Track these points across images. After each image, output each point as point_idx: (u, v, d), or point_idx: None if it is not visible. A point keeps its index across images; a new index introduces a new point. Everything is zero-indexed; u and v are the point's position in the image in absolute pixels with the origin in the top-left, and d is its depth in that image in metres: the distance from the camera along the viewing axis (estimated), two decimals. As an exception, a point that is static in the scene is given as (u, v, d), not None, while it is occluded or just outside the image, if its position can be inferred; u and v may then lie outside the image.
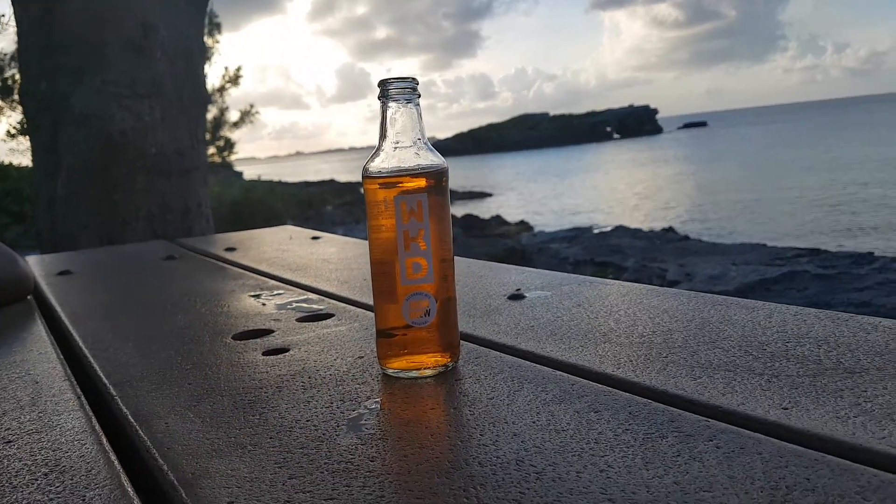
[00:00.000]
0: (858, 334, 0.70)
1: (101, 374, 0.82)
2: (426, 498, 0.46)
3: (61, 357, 0.93)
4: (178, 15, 2.98)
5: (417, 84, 0.71)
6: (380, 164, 0.71)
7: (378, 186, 0.70)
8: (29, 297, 1.38)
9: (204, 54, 3.13)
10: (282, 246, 1.87)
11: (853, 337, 0.70)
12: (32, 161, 3.14)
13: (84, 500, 0.50)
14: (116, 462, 0.57)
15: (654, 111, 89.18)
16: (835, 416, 0.52)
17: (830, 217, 11.62)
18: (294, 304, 1.12)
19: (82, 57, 2.79)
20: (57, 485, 0.53)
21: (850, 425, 0.50)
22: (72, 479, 0.54)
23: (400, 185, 0.70)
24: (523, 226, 12.81)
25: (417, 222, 0.69)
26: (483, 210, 15.56)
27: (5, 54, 8.07)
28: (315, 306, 1.09)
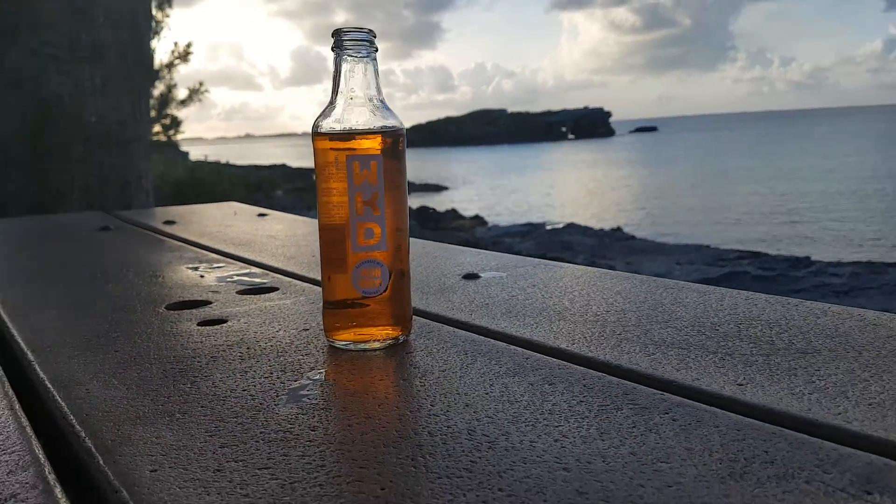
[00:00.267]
0: (809, 318, 0.70)
1: (19, 339, 0.76)
2: (370, 467, 0.43)
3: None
4: (124, -21, 2.85)
5: (375, 37, 0.67)
6: (332, 121, 0.67)
7: (329, 145, 0.66)
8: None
9: (150, 22, 3.00)
10: (225, 221, 1.80)
11: (804, 321, 0.69)
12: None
13: (-13, 467, 0.46)
14: (28, 428, 0.52)
15: (608, 114, 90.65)
16: (790, 392, 0.51)
17: (771, 224, 12.02)
18: (235, 278, 1.07)
19: (17, 16, 2.64)
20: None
21: (805, 402, 0.49)
22: (-25, 445, 0.49)
23: (353, 144, 0.66)
24: (478, 220, 12.83)
25: (371, 185, 0.66)
26: (438, 203, 15.53)
27: None
28: (258, 280, 1.04)
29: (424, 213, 12.50)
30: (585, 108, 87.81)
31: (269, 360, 0.66)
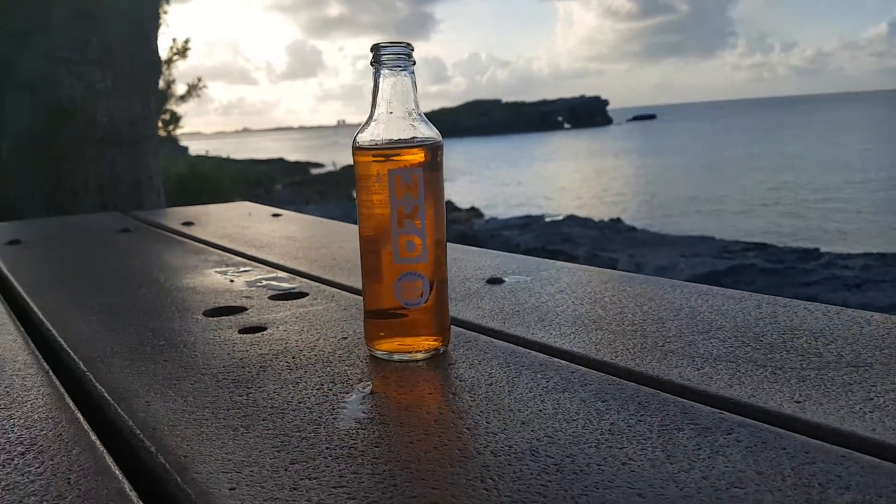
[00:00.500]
0: (853, 328, 0.71)
1: (68, 349, 0.77)
2: (442, 488, 0.43)
3: (21, 329, 0.87)
4: (131, -22, 2.84)
5: (413, 50, 0.68)
6: (372, 135, 0.67)
7: (371, 159, 0.67)
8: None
9: (157, 22, 2.99)
10: (241, 222, 1.80)
11: (848, 330, 0.70)
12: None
13: (69, 482, 0.46)
14: (98, 442, 0.52)
15: (605, 102, 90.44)
16: (850, 411, 0.51)
17: (775, 214, 12.01)
18: (264, 282, 1.07)
19: (28, 20, 2.64)
20: (36, 465, 0.49)
21: (867, 421, 0.50)
22: (52, 461, 0.50)
23: (394, 158, 0.66)
24: (474, 212, 12.82)
25: (412, 198, 0.66)
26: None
27: None
28: (286, 284, 1.05)
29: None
30: (582, 97, 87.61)
31: (317, 370, 0.67)
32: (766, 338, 0.69)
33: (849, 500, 0.39)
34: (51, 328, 0.87)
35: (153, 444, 0.51)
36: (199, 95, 12.18)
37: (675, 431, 0.49)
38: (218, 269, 1.18)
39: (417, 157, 0.66)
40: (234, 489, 0.45)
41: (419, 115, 0.68)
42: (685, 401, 0.55)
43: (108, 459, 0.50)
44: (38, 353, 0.77)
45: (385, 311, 0.69)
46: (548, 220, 10.77)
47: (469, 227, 9.94)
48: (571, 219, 10.26)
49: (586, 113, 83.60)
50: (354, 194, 0.71)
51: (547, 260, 1.17)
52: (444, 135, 0.70)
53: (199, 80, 12.04)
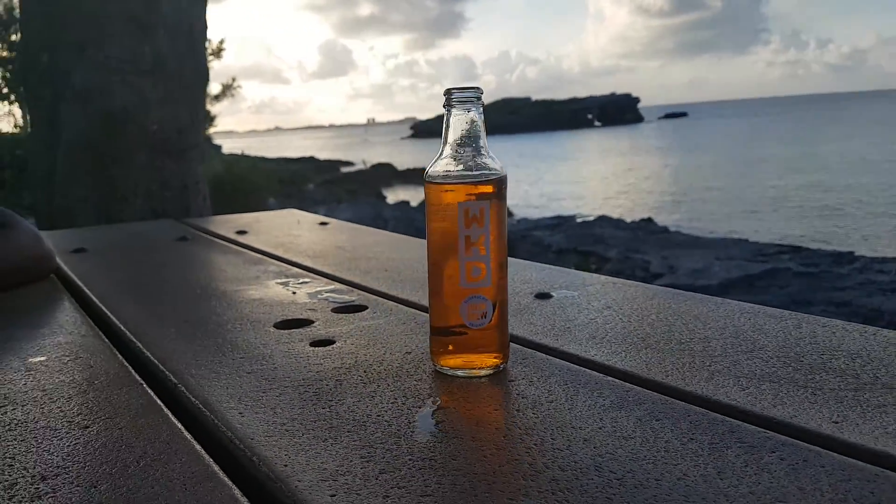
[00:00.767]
0: (889, 348, 0.75)
1: (155, 360, 0.85)
2: (518, 499, 0.49)
3: (106, 340, 0.95)
4: (182, -10, 2.95)
5: (481, 93, 0.74)
6: (443, 169, 0.73)
7: (441, 191, 0.73)
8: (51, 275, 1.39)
9: (205, 33, 3.10)
10: (292, 231, 1.88)
11: (884, 351, 0.75)
12: (30, 134, 3.10)
13: (185, 488, 0.53)
14: (204, 453, 0.59)
15: (636, 100, 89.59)
16: (884, 431, 0.56)
17: (810, 217, 11.84)
18: (325, 294, 1.15)
19: (84, 31, 2.76)
20: (152, 471, 0.56)
21: (899, 441, 0.54)
22: (165, 467, 0.57)
23: (464, 191, 0.73)
24: (506, 211, 12.84)
25: (479, 228, 0.72)
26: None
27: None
28: (345, 297, 1.12)
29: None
30: (612, 95, 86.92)
31: (389, 384, 0.73)
32: (806, 358, 0.74)
33: (883, 517, 0.45)
34: (133, 339, 0.95)
35: (253, 453, 0.58)
36: (233, 95, 12.40)
37: (724, 449, 0.55)
38: (279, 281, 1.26)
39: (484, 189, 0.73)
40: (334, 495, 0.51)
41: (486, 150, 0.74)
42: (732, 420, 0.60)
43: (216, 467, 0.57)
44: (127, 365, 0.84)
45: (451, 328, 0.75)
46: (579, 220, 10.76)
47: (500, 228, 9.97)
48: (603, 219, 10.24)
49: (617, 111, 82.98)
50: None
51: (592, 274, 1.23)
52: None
53: (234, 79, 12.26)
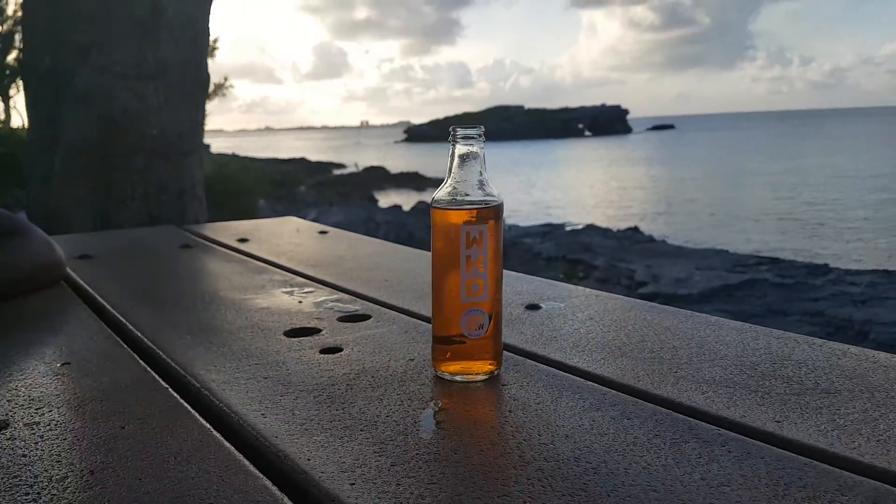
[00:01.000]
0: (831, 359, 0.86)
1: (177, 366, 0.93)
2: (510, 486, 0.59)
3: (126, 347, 1.03)
4: (188, -4, 3.03)
5: (483, 131, 0.84)
6: (448, 196, 0.83)
7: (446, 216, 0.83)
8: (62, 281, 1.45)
9: (208, 37, 3.18)
10: (292, 239, 1.97)
11: (827, 361, 0.85)
12: (29, 135, 3.16)
13: (223, 480, 0.62)
14: (234, 449, 0.68)
15: (625, 111, 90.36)
16: (817, 430, 0.67)
17: (788, 228, 12.07)
18: (330, 303, 1.24)
19: (89, 34, 2.83)
20: (192, 464, 0.65)
21: (829, 438, 0.65)
22: (202, 461, 0.66)
23: (466, 216, 0.82)
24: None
25: (478, 249, 0.82)
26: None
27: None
28: (349, 306, 1.21)
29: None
30: (602, 106, 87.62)
31: (394, 388, 0.83)
32: (759, 366, 0.84)
33: (804, 496, 0.55)
34: (153, 346, 1.03)
35: (278, 450, 0.67)
36: (224, 94, 12.40)
37: (683, 444, 0.65)
38: (285, 290, 1.35)
39: (484, 215, 0.83)
40: (353, 484, 0.60)
41: (486, 181, 0.84)
42: (692, 419, 0.70)
43: (246, 461, 0.66)
44: (150, 370, 0.92)
45: (451, 337, 0.85)
46: (568, 228, 10.90)
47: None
48: (591, 228, 10.40)
49: (607, 121, 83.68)
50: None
51: (577, 287, 1.33)
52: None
53: (226, 79, 12.25)
